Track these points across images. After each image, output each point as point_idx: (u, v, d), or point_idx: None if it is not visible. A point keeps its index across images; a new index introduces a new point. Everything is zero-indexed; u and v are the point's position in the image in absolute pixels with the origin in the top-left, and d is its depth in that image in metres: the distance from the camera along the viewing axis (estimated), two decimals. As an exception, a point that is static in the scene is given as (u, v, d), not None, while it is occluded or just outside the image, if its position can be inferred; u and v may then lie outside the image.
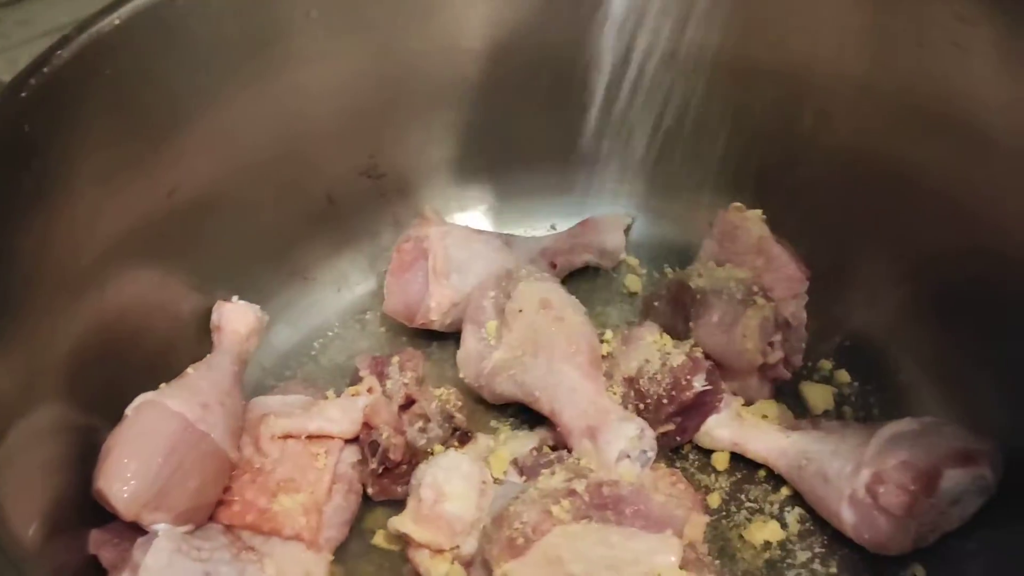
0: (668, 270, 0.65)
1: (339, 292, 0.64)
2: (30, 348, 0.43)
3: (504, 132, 0.64)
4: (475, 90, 0.61)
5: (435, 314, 0.59)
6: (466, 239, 0.62)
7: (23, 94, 0.41)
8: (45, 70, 0.42)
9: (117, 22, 0.44)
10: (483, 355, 0.56)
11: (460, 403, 0.55)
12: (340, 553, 0.51)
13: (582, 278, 0.65)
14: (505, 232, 0.65)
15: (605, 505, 0.43)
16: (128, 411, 0.47)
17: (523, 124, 0.64)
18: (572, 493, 0.44)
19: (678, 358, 0.52)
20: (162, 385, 0.49)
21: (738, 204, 0.59)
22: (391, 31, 0.55)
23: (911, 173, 0.53)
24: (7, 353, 0.41)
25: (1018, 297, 0.50)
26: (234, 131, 0.54)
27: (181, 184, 0.53)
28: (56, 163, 0.43)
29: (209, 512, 0.48)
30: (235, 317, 0.56)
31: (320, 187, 0.61)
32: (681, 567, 0.43)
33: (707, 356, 0.54)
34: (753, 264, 0.57)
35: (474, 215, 0.67)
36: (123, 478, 0.44)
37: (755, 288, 0.55)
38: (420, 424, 0.53)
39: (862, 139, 0.55)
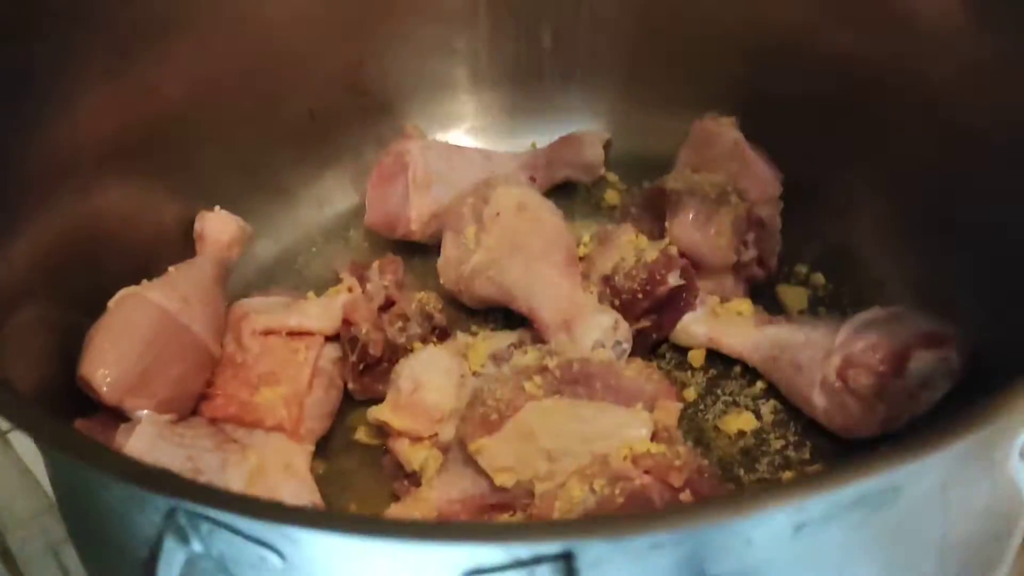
0: (647, 184, 0.65)
1: (322, 209, 0.65)
2: (24, 244, 0.44)
3: (485, 51, 0.64)
4: (460, 7, 0.61)
5: (416, 224, 0.60)
6: (447, 153, 0.63)
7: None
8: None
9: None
10: (462, 260, 0.56)
11: (440, 306, 0.55)
12: (323, 449, 0.52)
13: (562, 193, 0.66)
14: (485, 148, 0.66)
15: (576, 380, 0.44)
16: (110, 304, 0.48)
17: (503, 43, 0.64)
18: (544, 370, 0.45)
19: (652, 254, 0.53)
20: (144, 281, 0.50)
21: (712, 113, 0.60)
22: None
23: (892, 83, 0.53)
24: (9, 246, 0.42)
25: (991, 196, 0.50)
26: (217, 38, 0.55)
27: (168, 93, 0.54)
28: (45, 67, 0.44)
29: (192, 403, 0.49)
30: (217, 226, 0.57)
31: (302, 102, 0.62)
32: (652, 441, 0.44)
33: (682, 254, 0.54)
34: (728, 169, 0.58)
35: (455, 134, 0.68)
36: (105, 364, 0.45)
37: (730, 188, 0.56)
38: (400, 324, 0.54)
39: (839, 45, 0.55)
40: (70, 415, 0.47)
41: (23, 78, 0.46)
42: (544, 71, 0.66)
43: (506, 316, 0.57)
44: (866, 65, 0.55)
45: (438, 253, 0.58)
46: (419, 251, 0.62)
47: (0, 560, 0.69)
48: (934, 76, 0.52)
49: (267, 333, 0.51)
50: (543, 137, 0.67)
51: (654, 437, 0.44)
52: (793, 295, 0.58)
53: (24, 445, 0.65)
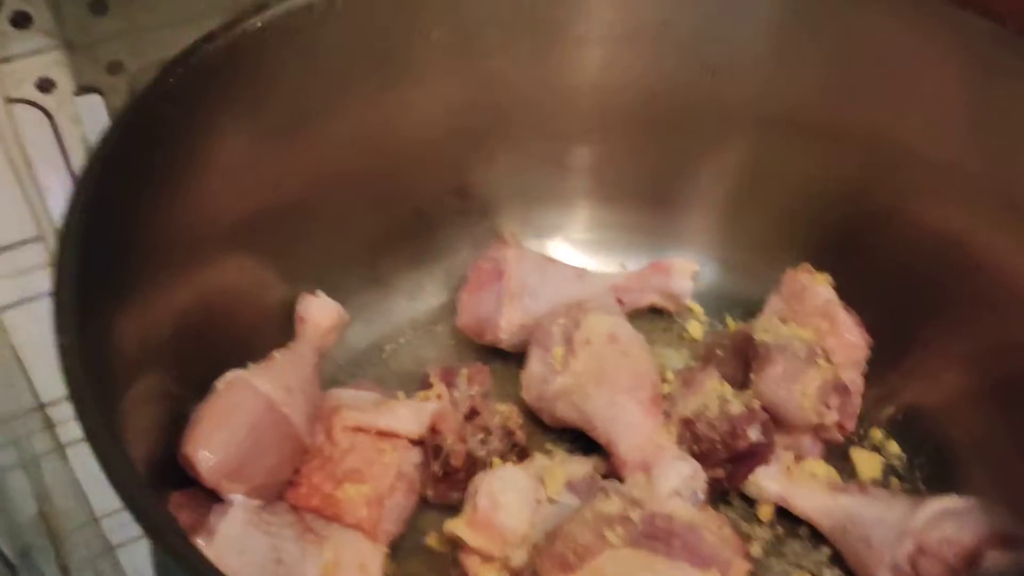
0: (730, 320, 0.67)
1: (414, 301, 0.67)
2: (144, 316, 0.47)
3: (590, 169, 0.67)
4: (571, 126, 0.64)
5: (504, 333, 0.62)
6: (541, 265, 0.65)
7: (171, 80, 0.45)
8: (191, 61, 0.45)
9: (259, 24, 0.48)
10: (546, 378, 0.58)
11: (521, 421, 0.57)
12: (393, 548, 0.53)
13: (645, 318, 0.67)
14: (578, 264, 0.68)
15: (657, 536, 0.45)
16: (218, 384, 0.50)
17: (610, 164, 0.66)
18: (627, 520, 0.46)
19: (737, 407, 0.54)
20: (250, 365, 0.52)
21: (807, 265, 0.61)
22: (503, 61, 0.58)
23: (988, 262, 0.54)
24: (128, 318, 0.44)
25: None
26: (343, 138, 0.57)
27: (287, 181, 0.57)
28: (187, 147, 0.47)
29: (279, 490, 0.51)
30: (318, 311, 0.59)
31: (411, 201, 0.64)
32: (720, 605, 0.45)
33: (764, 409, 0.55)
34: (817, 326, 0.59)
35: (550, 243, 0.70)
36: (208, 446, 0.47)
37: (818, 350, 0.57)
38: (482, 436, 0.55)
39: (941, 220, 0.56)
40: (169, 486, 0.49)
41: (169, 157, 0.49)
42: (644, 196, 0.68)
43: (581, 437, 0.58)
44: (969, 242, 0.56)
45: (519, 360, 0.60)
46: (501, 355, 0.64)
47: (57, 567, 0.72)
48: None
49: (357, 430, 0.53)
50: (633, 258, 0.69)
51: (723, 601, 0.45)
52: (867, 461, 0.59)
53: (79, 460, 0.68)
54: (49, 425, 0.69)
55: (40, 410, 0.68)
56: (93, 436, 0.37)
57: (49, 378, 0.67)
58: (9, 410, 0.67)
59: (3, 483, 0.68)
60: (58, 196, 0.66)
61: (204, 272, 0.53)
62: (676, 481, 0.51)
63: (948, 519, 0.49)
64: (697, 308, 0.68)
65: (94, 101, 0.65)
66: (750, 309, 0.64)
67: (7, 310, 0.65)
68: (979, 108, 0.52)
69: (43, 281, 0.60)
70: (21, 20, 0.61)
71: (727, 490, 0.56)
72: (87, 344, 0.39)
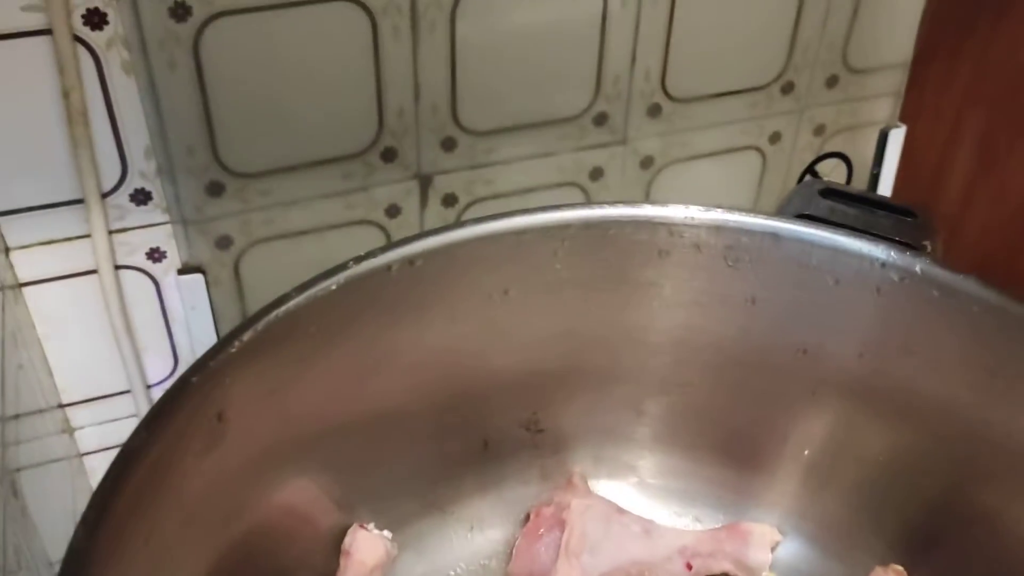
0: (809, 606, 0.61)
1: (471, 532, 0.64)
2: (203, 542, 0.46)
3: (669, 419, 0.63)
4: (650, 377, 0.61)
5: (557, 591, 0.58)
6: (606, 518, 0.61)
7: (232, 349, 0.45)
8: (258, 327, 0.46)
9: (333, 287, 0.48)
10: (596, 655, 0.54)
11: None
12: None
13: (716, 584, 0.62)
14: (647, 513, 0.64)
15: None
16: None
17: (689, 415, 0.63)
18: None
19: None
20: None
21: (899, 568, 0.55)
22: (581, 317, 0.57)
23: None
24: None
25: None
26: (414, 377, 0.57)
27: (363, 413, 0.56)
28: (243, 411, 0.47)
29: None
30: (366, 547, 0.57)
31: (480, 433, 0.63)
32: None
33: None
34: (904, 639, 0.53)
35: (622, 486, 0.66)
36: None
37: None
38: None
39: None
40: None
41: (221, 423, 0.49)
42: (723, 451, 0.64)
43: None
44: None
45: (573, 619, 0.56)
46: (553, 610, 0.60)
47: None
48: None
49: None
50: (708, 513, 0.65)
51: None
52: None
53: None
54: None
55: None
56: None
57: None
58: None
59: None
60: (153, 357, 0.70)
61: (255, 513, 0.52)
62: None
63: None
64: (773, 580, 0.62)
65: (196, 280, 0.68)
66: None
67: (92, 455, 0.70)
68: None
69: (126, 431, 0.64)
70: (141, 197, 0.65)
71: None
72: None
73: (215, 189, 0.72)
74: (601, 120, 0.75)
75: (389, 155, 0.75)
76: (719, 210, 0.52)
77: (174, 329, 0.71)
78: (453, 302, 0.54)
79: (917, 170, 0.85)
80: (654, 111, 0.75)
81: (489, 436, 0.63)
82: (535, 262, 0.54)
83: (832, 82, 0.81)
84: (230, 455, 0.47)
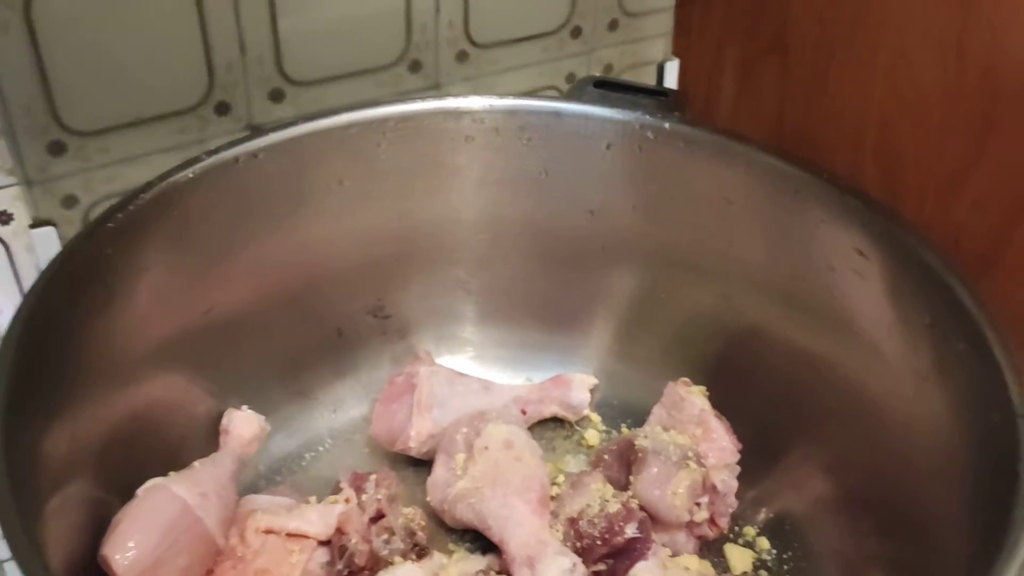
0: (624, 428, 0.73)
1: (335, 413, 0.73)
2: (75, 429, 0.52)
3: (496, 294, 0.74)
4: (473, 256, 0.72)
5: (414, 442, 0.68)
6: (450, 380, 0.71)
7: (109, 225, 0.52)
8: (129, 208, 0.53)
9: (190, 175, 0.56)
10: (449, 483, 0.64)
11: (424, 523, 0.62)
12: (298, 644, 0.57)
13: (548, 427, 0.74)
14: (486, 378, 0.75)
15: (527, 622, 0.50)
16: (139, 491, 0.56)
17: (513, 290, 0.74)
18: (500, 608, 0.51)
19: (615, 506, 0.60)
20: (171, 473, 0.58)
21: (685, 379, 0.69)
22: (407, 202, 0.67)
23: (832, 379, 0.61)
24: (60, 430, 0.50)
25: (912, 504, 0.56)
26: (269, 268, 0.65)
27: (218, 305, 0.64)
28: (124, 282, 0.54)
29: (192, 590, 0.56)
30: (242, 423, 0.65)
31: (332, 321, 0.71)
32: None
33: (642, 508, 0.61)
34: (693, 432, 0.66)
35: (461, 359, 0.77)
36: (125, 547, 0.52)
37: (690, 453, 0.63)
38: (386, 536, 0.60)
39: (793, 342, 0.64)
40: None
41: (108, 289, 0.56)
42: (546, 319, 0.76)
43: (482, 538, 0.64)
44: (816, 360, 0.64)
45: (430, 469, 0.66)
46: (414, 464, 0.70)
47: None
48: (869, 382, 0.60)
49: (268, 532, 0.58)
50: (539, 372, 0.76)
51: None
52: (739, 556, 0.64)
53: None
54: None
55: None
56: (14, 545, 0.42)
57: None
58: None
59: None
60: (8, 318, 0.73)
61: (136, 388, 0.59)
62: (555, 573, 0.57)
63: (796, 605, 0.55)
64: (595, 417, 0.75)
65: (48, 233, 0.72)
66: (641, 418, 0.70)
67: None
68: (783, 234, 0.60)
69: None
70: (-19, 161, 0.68)
71: (610, 584, 0.61)
72: (13, 453, 0.44)
73: (56, 148, 0.77)
74: (415, 67, 0.85)
75: (222, 108, 0.81)
76: (511, 97, 0.64)
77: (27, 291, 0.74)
78: (296, 193, 0.63)
79: (693, 98, 0.99)
80: (461, 57, 0.85)
81: (342, 324, 0.72)
82: (363, 154, 0.64)
83: (613, 25, 0.93)
84: (116, 324, 0.54)
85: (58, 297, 0.50)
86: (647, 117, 0.62)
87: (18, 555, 0.41)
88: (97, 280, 0.53)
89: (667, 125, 0.62)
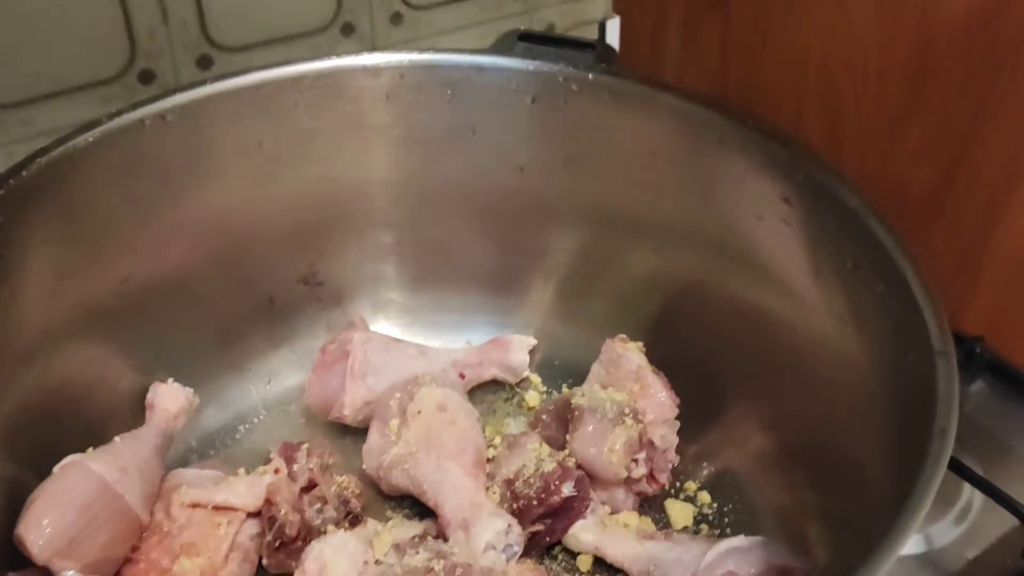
0: (565, 389, 0.72)
1: (269, 384, 0.72)
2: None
3: (429, 257, 0.73)
4: (405, 218, 0.70)
5: (348, 410, 0.67)
6: (385, 346, 0.70)
7: (1, 192, 0.50)
8: (23, 174, 0.51)
9: (90, 139, 0.54)
10: (384, 449, 0.63)
11: (359, 491, 0.61)
12: (231, 618, 0.56)
13: (489, 389, 0.73)
14: (424, 343, 0.73)
15: (458, 584, 0.50)
16: (55, 469, 0.54)
17: (447, 252, 0.73)
18: (429, 571, 0.50)
19: (550, 465, 0.60)
20: (89, 449, 0.56)
21: (622, 336, 0.68)
22: (331, 164, 0.65)
23: (766, 334, 0.60)
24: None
25: (841, 451, 0.56)
26: (190, 235, 0.63)
27: (135, 275, 0.61)
28: (22, 253, 0.52)
29: (116, 567, 0.54)
30: (167, 397, 0.63)
31: (263, 289, 0.70)
32: (520, 646, 0.49)
33: (579, 466, 0.61)
34: (631, 389, 0.65)
35: (398, 325, 0.75)
36: (40, 526, 0.51)
37: (627, 410, 0.63)
38: (319, 505, 0.59)
39: (727, 296, 0.63)
40: (5, 566, 0.52)
41: (5, 261, 0.53)
42: (484, 280, 0.74)
43: (419, 503, 0.63)
44: (749, 312, 0.63)
45: (366, 437, 0.65)
46: (350, 432, 0.68)
47: None
48: (799, 329, 0.59)
49: (194, 506, 0.57)
50: (478, 336, 0.75)
51: (523, 642, 0.49)
52: (680, 511, 0.64)
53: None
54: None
55: None
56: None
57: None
58: None
59: None
60: None
61: (46, 364, 0.57)
62: (490, 535, 0.56)
63: (731, 556, 0.55)
64: (535, 378, 0.74)
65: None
66: (582, 378, 0.69)
67: None
68: (711, 184, 0.59)
69: None
70: None
71: (550, 544, 0.61)
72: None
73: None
74: (348, 30, 0.82)
75: (146, 76, 0.78)
76: (431, 51, 0.62)
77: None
78: (213, 157, 0.60)
79: (637, 55, 0.98)
80: (396, 19, 0.83)
81: (273, 292, 0.70)
82: (280, 114, 0.61)
83: (552, -18, 0.92)
84: (16, 296, 0.52)
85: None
86: (570, 69, 0.60)
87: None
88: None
89: (591, 76, 0.60)
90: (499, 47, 0.65)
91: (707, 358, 0.67)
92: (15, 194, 0.51)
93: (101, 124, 0.54)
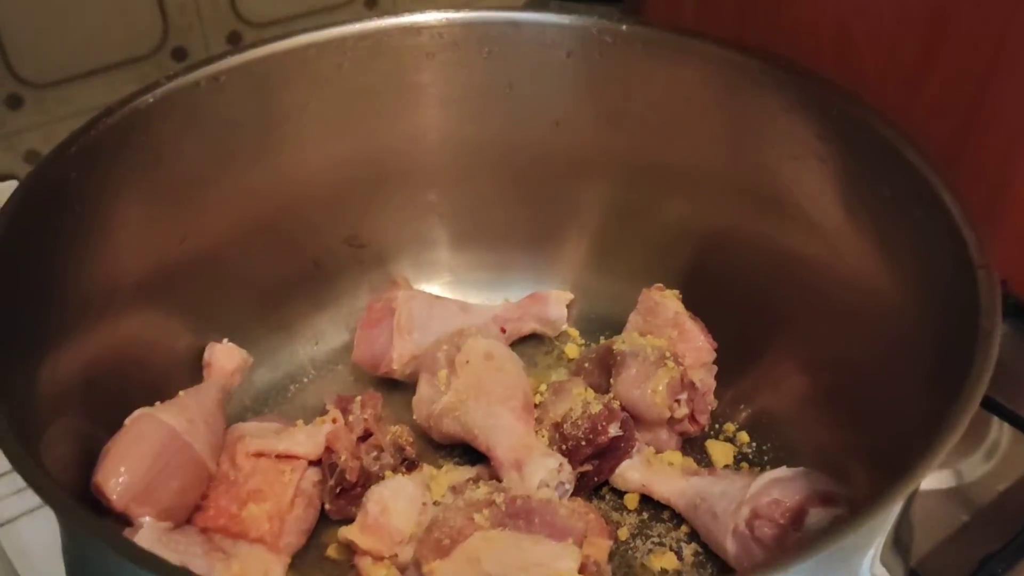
0: (603, 340, 0.74)
1: (317, 344, 0.74)
2: (64, 363, 0.52)
3: (468, 216, 0.75)
4: (444, 177, 0.72)
5: (396, 364, 0.69)
6: (428, 303, 0.72)
7: (72, 149, 0.52)
8: (91, 132, 0.53)
9: (151, 100, 0.56)
10: (433, 399, 0.65)
11: (412, 439, 0.63)
12: (297, 562, 0.59)
13: (530, 344, 0.75)
14: (466, 301, 0.75)
15: (518, 514, 0.52)
16: (127, 421, 0.56)
17: (485, 209, 0.75)
18: (491, 504, 0.52)
19: (597, 407, 0.62)
20: (157, 403, 0.58)
21: (659, 284, 0.70)
22: (373, 125, 0.67)
23: (805, 279, 0.62)
24: (44, 365, 0.50)
25: (881, 387, 0.57)
26: (240, 196, 0.65)
27: (191, 236, 0.63)
28: (94, 209, 0.54)
29: (187, 514, 0.57)
30: (224, 356, 0.66)
31: (308, 252, 0.72)
32: (581, 573, 0.51)
33: (623, 408, 0.63)
34: (669, 335, 0.67)
35: (438, 285, 0.77)
36: (117, 473, 0.53)
37: (668, 354, 0.65)
38: (375, 453, 0.61)
39: (760, 240, 0.64)
40: (83, 516, 0.54)
41: (77, 218, 0.56)
42: (521, 238, 0.76)
43: (469, 452, 0.65)
44: (783, 254, 0.65)
45: (414, 391, 0.67)
46: (398, 387, 0.70)
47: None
48: (835, 267, 0.61)
49: (258, 455, 0.59)
50: (516, 293, 0.77)
51: (583, 569, 0.51)
52: (720, 450, 0.66)
53: (11, 542, 0.71)
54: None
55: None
56: (11, 453, 0.42)
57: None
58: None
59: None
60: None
61: (115, 323, 0.59)
62: (543, 474, 0.58)
63: (776, 485, 0.57)
64: (574, 332, 0.76)
65: (11, 187, 0.72)
66: (619, 330, 0.71)
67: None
68: (745, 128, 0.61)
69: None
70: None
71: (598, 484, 0.63)
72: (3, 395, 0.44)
73: (14, 102, 0.76)
74: (371, 2, 0.84)
75: (179, 54, 0.81)
76: (466, 10, 0.64)
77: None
78: (262, 117, 0.62)
79: (655, 17, 0.99)
80: None
81: (318, 256, 0.72)
82: (325, 76, 0.63)
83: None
84: (89, 251, 0.54)
85: (26, 231, 0.50)
86: (604, 21, 0.62)
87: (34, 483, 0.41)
88: (65, 207, 0.53)
89: (624, 27, 0.62)
90: (533, 4, 0.66)
91: (742, 303, 0.68)
92: (87, 150, 0.53)
93: (161, 86, 0.56)
